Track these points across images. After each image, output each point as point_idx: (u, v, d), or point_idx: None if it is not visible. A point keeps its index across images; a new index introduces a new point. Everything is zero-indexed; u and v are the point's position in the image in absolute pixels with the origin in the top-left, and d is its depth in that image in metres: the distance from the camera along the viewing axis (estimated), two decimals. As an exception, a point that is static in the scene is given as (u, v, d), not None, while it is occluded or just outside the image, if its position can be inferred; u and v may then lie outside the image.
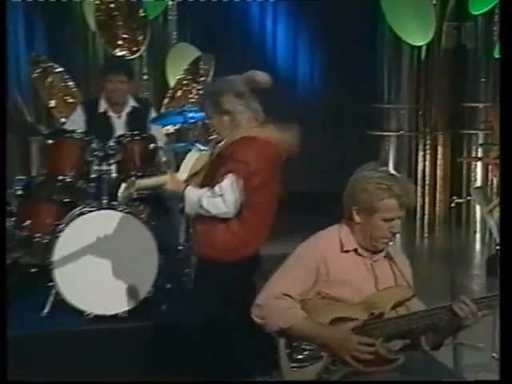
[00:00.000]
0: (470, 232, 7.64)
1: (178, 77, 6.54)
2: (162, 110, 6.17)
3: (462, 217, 7.56)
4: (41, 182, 4.43)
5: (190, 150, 4.57)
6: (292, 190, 9.38)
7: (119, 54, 6.47)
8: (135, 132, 4.52)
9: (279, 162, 3.57)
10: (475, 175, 7.54)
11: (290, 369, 2.66)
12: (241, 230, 3.43)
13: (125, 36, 6.46)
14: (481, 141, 7.43)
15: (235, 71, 8.29)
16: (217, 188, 3.39)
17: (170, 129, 5.97)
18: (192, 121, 4.76)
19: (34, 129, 4.78)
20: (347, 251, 2.76)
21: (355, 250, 2.77)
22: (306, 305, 2.68)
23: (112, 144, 4.43)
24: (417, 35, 7.65)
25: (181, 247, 4.72)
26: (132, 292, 4.23)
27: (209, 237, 3.47)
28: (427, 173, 7.94)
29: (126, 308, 4.19)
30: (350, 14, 8.01)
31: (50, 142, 4.33)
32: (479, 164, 7.44)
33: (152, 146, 4.51)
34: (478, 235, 7.52)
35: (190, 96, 6.52)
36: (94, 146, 4.38)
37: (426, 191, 7.94)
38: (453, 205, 4.06)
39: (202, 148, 4.93)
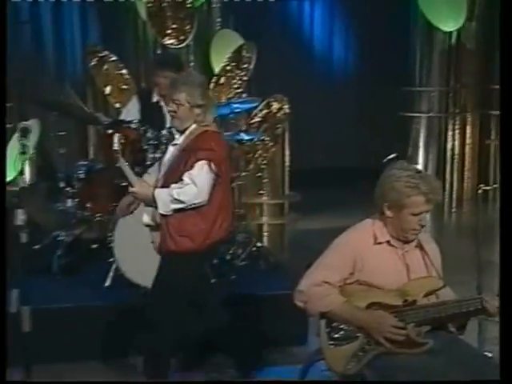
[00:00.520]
0: (496, 208, 7.74)
1: (222, 64, 6.69)
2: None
3: (488, 193, 7.65)
4: (101, 168, 4.66)
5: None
6: (328, 166, 9.54)
7: (167, 42, 6.66)
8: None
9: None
10: (502, 156, 7.60)
11: (329, 346, 2.86)
12: (212, 215, 3.55)
13: (173, 26, 6.63)
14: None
15: (275, 54, 8.39)
16: (186, 177, 3.47)
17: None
18: (237, 111, 4.92)
19: (93, 118, 4.99)
20: (380, 243, 2.93)
21: (388, 242, 2.94)
22: (345, 290, 2.87)
23: (165, 133, 4.62)
24: (448, 21, 7.69)
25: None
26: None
27: (184, 228, 3.54)
28: (456, 151, 8.02)
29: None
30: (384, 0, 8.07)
31: (110, 131, 4.54)
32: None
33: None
34: (504, 211, 7.59)
35: (234, 82, 6.66)
36: (148, 135, 4.58)
37: (455, 169, 8.04)
38: (480, 191, 4.17)
39: (246, 138, 5.13)
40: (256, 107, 5.90)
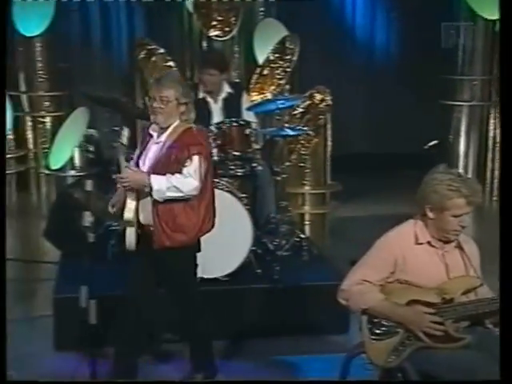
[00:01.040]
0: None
1: (266, 55, 6.84)
2: (254, 95, 6.52)
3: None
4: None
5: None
6: (369, 153, 9.66)
7: (213, 34, 6.84)
8: (233, 119, 4.90)
9: None
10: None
11: (370, 341, 3.06)
12: (203, 208, 3.70)
13: (219, 18, 6.81)
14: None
15: (317, 44, 8.48)
16: (185, 171, 3.57)
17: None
18: (282, 106, 5.10)
19: (143, 113, 5.22)
20: (421, 243, 3.10)
21: (428, 243, 3.11)
22: (386, 288, 3.06)
23: (213, 129, 4.85)
24: (491, 8, 7.71)
25: (272, 219, 5.14)
26: (230, 258, 4.68)
27: (178, 223, 3.64)
28: (497, 140, 8.07)
29: (226, 272, 4.67)
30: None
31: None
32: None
33: (248, 131, 4.88)
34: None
35: (277, 72, 6.81)
36: (197, 131, 4.80)
37: (496, 157, 8.09)
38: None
39: (291, 133, 5.31)
40: (306, 111, 6.12)
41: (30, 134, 7.89)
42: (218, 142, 4.81)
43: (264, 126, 5.74)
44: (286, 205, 5.34)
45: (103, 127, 5.94)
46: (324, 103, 6.39)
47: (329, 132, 6.48)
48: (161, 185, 3.57)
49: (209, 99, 5.24)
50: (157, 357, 4.28)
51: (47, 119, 7.83)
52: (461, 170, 3.29)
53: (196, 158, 3.59)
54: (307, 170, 6.46)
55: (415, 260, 3.06)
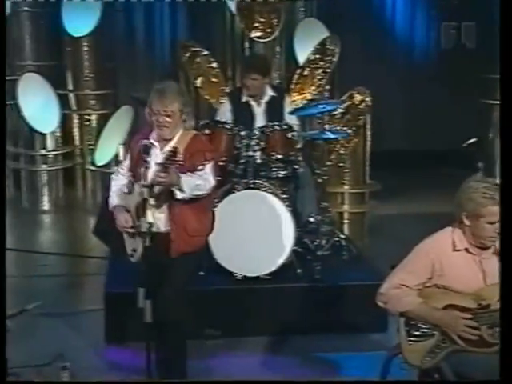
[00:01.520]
0: None
1: (307, 56, 6.99)
2: (294, 95, 6.68)
3: None
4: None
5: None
6: (408, 150, 9.71)
7: (255, 35, 7.01)
8: (276, 123, 5.07)
9: None
10: None
11: (407, 342, 3.21)
12: (210, 211, 3.87)
13: (261, 19, 6.98)
14: None
15: (357, 44, 8.57)
16: (204, 170, 3.66)
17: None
18: (323, 110, 5.25)
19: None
20: (459, 250, 3.24)
21: (466, 249, 3.24)
22: (423, 292, 3.21)
23: (256, 133, 5.03)
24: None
25: (312, 219, 5.32)
26: (272, 258, 4.85)
27: (196, 228, 3.74)
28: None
29: (267, 271, 4.84)
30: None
31: (207, 131, 4.97)
32: None
33: (290, 134, 5.04)
34: None
35: (317, 73, 6.94)
36: (242, 134, 4.99)
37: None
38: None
39: (332, 136, 5.47)
40: (346, 111, 6.26)
41: (76, 132, 8.15)
42: (262, 145, 4.99)
43: (304, 127, 5.91)
44: (326, 205, 5.49)
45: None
46: (364, 104, 6.52)
47: (368, 132, 6.62)
48: (190, 184, 3.62)
49: (252, 103, 5.41)
50: (200, 353, 4.44)
51: (93, 117, 8.08)
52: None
53: (210, 164, 3.71)
54: (346, 170, 6.59)
55: (453, 266, 3.19)
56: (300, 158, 5.16)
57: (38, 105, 7.73)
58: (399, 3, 9.01)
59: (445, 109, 8.70)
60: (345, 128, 6.33)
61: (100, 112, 8.05)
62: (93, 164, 7.84)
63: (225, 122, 5.06)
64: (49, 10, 7.74)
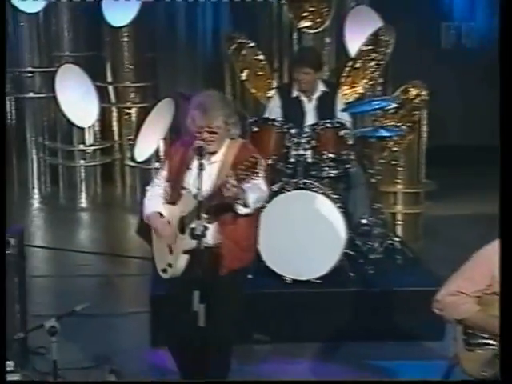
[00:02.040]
0: None
1: (358, 47, 7.10)
2: (345, 89, 6.81)
3: None
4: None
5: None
6: (464, 146, 9.71)
7: (304, 25, 7.17)
8: (327, 120, 5.23)
9: None
10: None
11: (465, 351, 3.34)
12: (257, 221, 3.91)
13: (310, 8, 7.13)
14: None
15: (412, 35, 8.59)
16: (258, 180, 3.68)
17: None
18: (378, 107, 5.39)
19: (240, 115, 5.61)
20: (520, 257, 3.37)
21: (528, 257, 3.37)
22: (483, 299, 3.33)
23: (307, 130, 5.19)
24: None
25: (364, 220, 5.49)
26: (323, 261, 5.02)
27: (249, 243, 3.83)
28: None
29: (318, 275, 5.01)
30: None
31: (256, 129, 5.16)
32: None
33: (342, 132, 5.20)
34: None
35: (370, 65, 7.05)
36: (292, 132, 5.15)
37: None
38: None
39: (386, 134, 5.61)
40: (400, 106, 6.33)
41: (115, 126, 8.42)
42: (312, 143, 5.15)
43: (355, 123, 6.04)
44: (379, 206, 5.64)
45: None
46: (419, 98, 6.59)
47: (423, 128, 6.71)
48: (253, 198, 3.65)
49: (303, 98, 5.56)
50: (247, 358, 4.62)
51: (133, 110, 8.34)
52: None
53: (262, 177, 3.74)
54: (400, 168, 6.68)
55: (513, 274, 3.33)
56: (352, 157, 5.30)
57: (75, 98, 7.99)
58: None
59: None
60: (399, 124, 6.43)
61: (140, 105, 8.30)
62: (132, 160, 8.07)
63: (274, 120, 5.22)
64: (88, -1, 8.01)
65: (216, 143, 3.73)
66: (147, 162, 7.84)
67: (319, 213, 5.02)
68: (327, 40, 7.30)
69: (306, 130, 5.22)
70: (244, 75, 7.02)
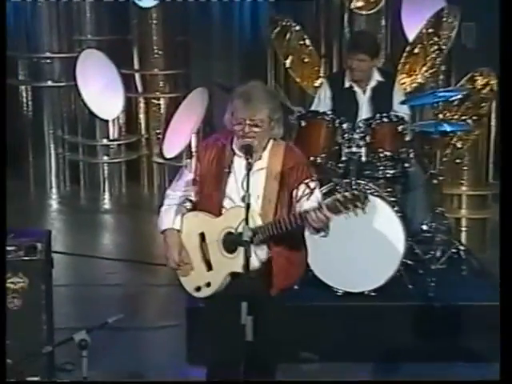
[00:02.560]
0: None
1: (418, 31, 7.14)
2: (403, 77, 6.88)
3: None
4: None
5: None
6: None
7: (356, 5, 7.26)
8: (384, 114, 5.34)
9: None
10: None
11: None
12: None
13: (363, -13, 7.22)
14: None
15: (478, 14, 8.61)
16: (316, 196, 3.74)
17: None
18: (442, 99, 5.47)
19: (288, 108, 5.73)
20: None
21: None
22: None
23: (361, 125, 5.31)
24: None
25: (425, 226, 5.60)
26: (378, 271, 5.15)
27: (296, 259, 3.85)
28: None
29: (373, 287, 5.13)
30: None
31: (303, 123, 5.30)
32: None
33: (401, 127, 5.32)
34: None
35: (431, 51, 7.08)
36: (344, 127, 5.28)
37: None
38: None
39: (449, 129, 5.69)
40: (465, 97, 6.38)
41: (142, 118, 8.60)
42: (367, 140, 5.27)
43: (414, 117, 6.12)
44: (442, 211, 5.72)
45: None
46: (488, 88, 6.62)
47: (493, 122, 6.75)
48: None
49: (356, 89, 5.68)
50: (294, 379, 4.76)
51: (162, 101, 8.51)
52: None
53: (315, 182, 3.81)
54: (465, 168, 6.77)
55: None
56: (411, 155, 5.41)
57: (99, 87, 8.18)
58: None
59: None
60: (464, 117, 6.50)
61: (170, 95, 8.46)
62: (161, 156, 8.20)
63: (324, 113, 5.36)
64: (113, -24, 8.15)
65: (258, 140, 3.74)
66: (177, 158, 7.96)
67: (374, 217, 5.12)
68: (382, 22, 7.37)
69: (360, 124, 5.35)
70: (288, 62, 7.12)
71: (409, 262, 5.35)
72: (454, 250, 5.63)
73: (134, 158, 8.61)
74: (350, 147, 5.28)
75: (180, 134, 8.03)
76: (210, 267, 3.84)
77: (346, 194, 3.59)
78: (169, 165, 8.16)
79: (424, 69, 7.08)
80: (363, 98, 5.68)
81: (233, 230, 3.74)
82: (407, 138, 5.42)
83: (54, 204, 8.36)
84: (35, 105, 8.49)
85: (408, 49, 7.10)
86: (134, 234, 7.49)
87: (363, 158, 5.29)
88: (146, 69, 8.50)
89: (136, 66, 8.53)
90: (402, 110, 5.63)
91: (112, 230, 7.86)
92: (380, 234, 5.16)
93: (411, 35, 7.24)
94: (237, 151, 3.82)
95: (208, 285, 3.85)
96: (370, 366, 4.95)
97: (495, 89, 6.60)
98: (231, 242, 3.75)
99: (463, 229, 6.80)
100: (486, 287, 5.31)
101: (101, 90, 8.20)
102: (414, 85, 7.02)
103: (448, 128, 5.60)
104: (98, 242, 7.42)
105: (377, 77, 5.71)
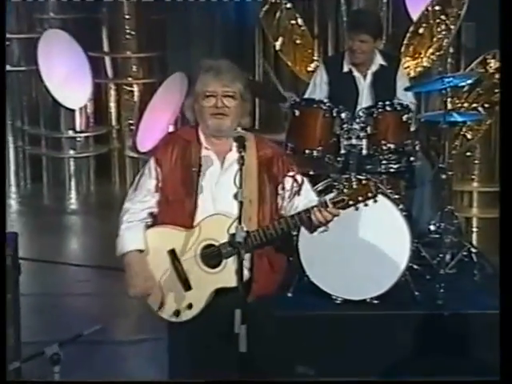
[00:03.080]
0: None
1: (423, 8, 7.24)
2: (406, 60, 6.99)
3: None
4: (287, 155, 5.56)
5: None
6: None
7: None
8: (387, 102, 5.47)
9: None
10: None
11: None
12: None
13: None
14: None
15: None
16: (307, 191, 3.89)
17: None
18: (450, 85, 5.59)
19: (280, 96, 5.86)
20: None
21: None
22: None
23: (361, 115, 5.44)
24: None
25: (433, 227, 5.75)
26: (381, 277, 5.26)
27: (280, 263, 3.95)
28: None
29: (375, 294, 5.24)
30: None
31: (297, 112, 5.43)
32: None
33: (405, 117, 5.45)
34: None
35: (437, 31, 7.17)
36: (342, 116, 5.41)
37: None
38: None
39: (460, 119, 5.82)
40: (476, 82, 6.51)
41: (113, 107, 8.70)
42: (368, 130, 5.40)
43: (420, 106, 6.24)
44: (451, 209, 5.84)
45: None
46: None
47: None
48: None
49: (356, 73, 5.82)
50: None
51: (135, 88, 8.62)
52: None
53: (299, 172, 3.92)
54: (476, 161, 6.91)
55: None
56: (417, 148, 5.55)
57: (63, 72, 8.28)
58: None
59: None
60: (475, 105, 6.62)
61: (144, 81, 8.59)
62: (134, 149, 8.34)
63: (321, 101, 5.49)
64: None
65: (231, 120, 3.78)
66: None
67: (377, 217, 5.18)
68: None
69: (360, 113, 5.47)
70: (278, 44, 7.22)
71: (415, 266, 5.49)
72: (464, 253, 5.76)
73: (103, 151, 8.68)
74: (349, 139, 5.39)
75: (156, 125, 8.13)
76: (188, 287, 3.83)
77: (353, 184, 3.69)
78: (143, 159, 8.09)
79: (430, 51, 7.17)
80: (363, 84, 5.82)
81: (213, 242, 3.77)
82: (412, 129, 5.55)
83: (14, 204, 8.42)
84: (-9, 92, 8.55)
85: (412, 29, 7.18)
86: (105, 238, 7.36)
87: (364, 151, 5.40)
88: (116, 51, 8.61)
89: (105, 49, 8.62)
90: (407, 98, 5.77)
91: (80, 233, 7.95)
92: (383, 236, 5.28)
93: (415, 13, 7.32)
94: (205, 143, 3.83)
95: (189, 306, 3.85)
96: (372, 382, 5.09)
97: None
98: (213, 256, 3.78)
99: (474, 229, 6.94)
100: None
101: (66, 75, 8.29)
102: (419, 69, 7.13)
103: (458, 118, 5.74)
104: (64, 246, 7.53)
105: (379, 60, 5.84)
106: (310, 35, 7.29)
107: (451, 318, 5.22)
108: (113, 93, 8.71)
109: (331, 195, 3.74)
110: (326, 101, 5.54)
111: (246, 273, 3.75)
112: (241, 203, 3.62)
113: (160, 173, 3.83)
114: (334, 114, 5.43)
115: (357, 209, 3.75)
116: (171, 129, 8.01)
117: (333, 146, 5.44)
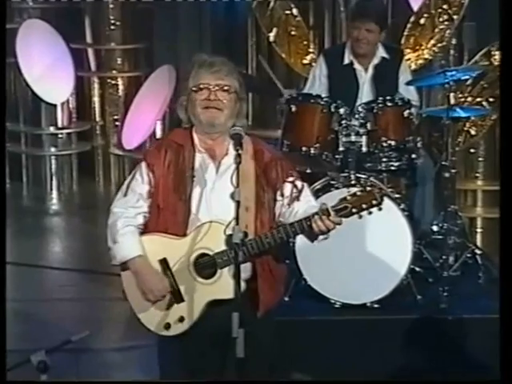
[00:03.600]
0: None
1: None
2: (407, 52, 7.08)
3: None
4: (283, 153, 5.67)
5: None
6: None
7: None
8: (388, 97, 5.57)
9: None
10: None
11: None
12: None
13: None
14: None
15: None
16: (307, 196, 3.94)
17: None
18: (453, 79, 5.70)
19: (276, 91, 5.95)
20: None
21: None
22: None
23: (361, 110, 5.55)
24: None
25: (435, 227, 5.87)
26: (382, 280, 5.38)
27: (281, 271, 3.99)
28: None
29: (376, 297, 5.35)
30: None
31: (294, 108, 5.54)
32: None
33: (407, 112, 5.57)
34: None
35: (440, 21, 7.26)
36: (341, 112, 5.51)
37: None
38: None
39: (464, 115, 5.93)
40: (480, 76, 6.61)
41: (96, 102, 8.76)
42: (368, 127, 5.50)
43: (421, 100, 6.32)
44: (455, 209, 5.93)
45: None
46: (507, 65, 6.87)
47: (513, 106, 6.99)
48: None
49: (357, 66, 5.91)
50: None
51: (119, 81, 8.69)
52: None
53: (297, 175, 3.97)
54: (480, 159, 7.01)
55: None
56: (419, 145, 5.66)
57: (44, 64, 8.32)
58: None
59: None
60: (478, 99, 6.72)
61: (130, 74, 8.67)
62: (119, 147, 8.42)
63: (318, 96, 5.59)
64: None
65: (225, 115, 3.81)
66: (138, 150, 8.09)
67: (377, 217, 5.23)
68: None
69: (360, 109, 5.57)
70: (272, 35, 7.31)
71: (417, 268, 5.60)
72: (468, 255, 5.86)
73: (86, 149, 8.73)
74: (348, 135, 5.50)
75: (142, 121, 8.23)
76: (180, 299, 3.86)
77: (356, 191, 3.75)
78: (129, 157, 8.32)
79: (432, 42, 7.26)
80: (364, 77, 5.92)
81: (207, 251, 3.80)
82: (414, 126, 5.66)
83: (-9, 205, 8.47)
84: (-34, 86, 8.60)
85: (413, 19, 7.27)
86: (89, 240, 7.51)
87: (364, 148, 5.51)
88: (100, 43, 8.67)
89: (88, 40, 8.70)
90: (409, 93, 5.88)
91: (63, 235, 7.99)
92: (383, 237, 5.40)
93: (416, 3, 7.41)
94: (199, 147, 3.87)
95: (181, 319, 3.87)
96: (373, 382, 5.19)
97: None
98: (207, 265, 3.80)
99: (479, 230, 7.05)
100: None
101: (46, 68, 8.35)
102: (420, 61, 7.23)
103: (462, 113, 5.85)
104: (46, 249, 7.58)
105: (381, 53, 5.94)
106: (305, 26, 7.38)
107: (455, 322, 5.33)
108: (96, 87, 8.77)
109: (333, 202, 3.75)
110: (323, 95, 5.64)
111: (242, 284, 3.69)
112: (238, 203, 3.64)
113: (152, 178, 3.88)
114: (332, 110, 5.52)
115: (360, 217, 3.78)
116: (158, 125, 8.12)
117: (331, 143, 5.54)
